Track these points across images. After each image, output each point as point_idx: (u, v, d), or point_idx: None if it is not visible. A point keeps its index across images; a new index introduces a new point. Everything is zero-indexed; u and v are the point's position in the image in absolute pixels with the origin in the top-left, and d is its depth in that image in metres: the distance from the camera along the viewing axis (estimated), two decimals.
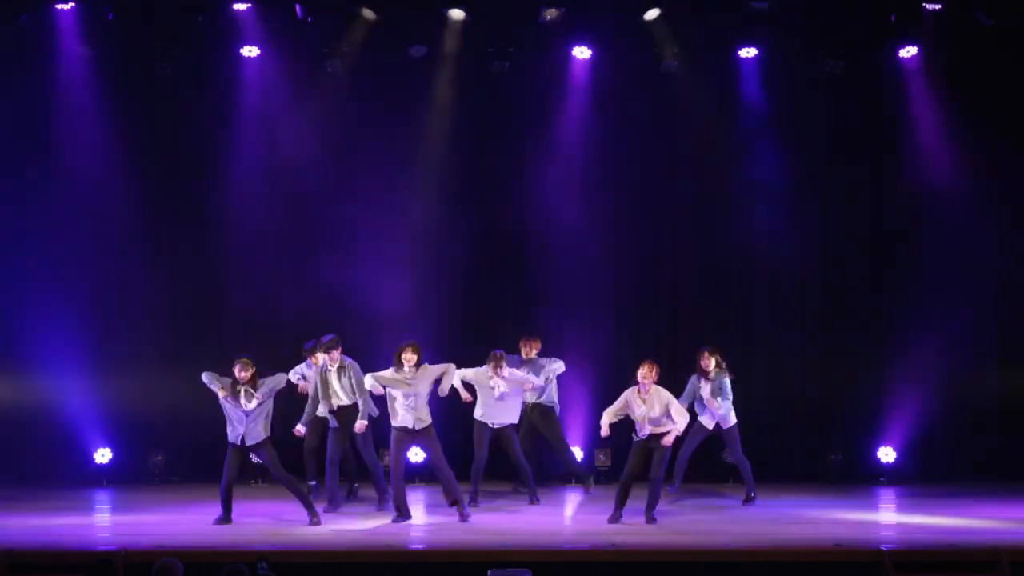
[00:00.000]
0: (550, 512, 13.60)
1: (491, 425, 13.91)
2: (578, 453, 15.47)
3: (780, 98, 16.22)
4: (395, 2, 15.51)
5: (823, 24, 15.75)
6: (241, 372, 12.40)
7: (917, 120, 16.18)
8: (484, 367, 13.83)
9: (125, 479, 15.74)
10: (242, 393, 12.37)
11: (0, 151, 15.82)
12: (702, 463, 15.09)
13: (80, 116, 16.02)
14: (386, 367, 12.80)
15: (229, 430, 12.52)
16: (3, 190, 15.83)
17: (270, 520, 12.76)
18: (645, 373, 12.35)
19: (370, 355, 14.13)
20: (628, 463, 12.59)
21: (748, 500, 13.84)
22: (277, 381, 12.68)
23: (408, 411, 12.54)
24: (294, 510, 12.77)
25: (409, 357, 12.56)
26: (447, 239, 16.26)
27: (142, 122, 16.11)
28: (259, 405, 12.40)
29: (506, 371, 13.77)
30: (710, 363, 13.78)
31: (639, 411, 12.36)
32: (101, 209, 16.07)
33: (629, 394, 12.47)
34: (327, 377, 13.33)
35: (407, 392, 12.52)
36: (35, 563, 10.35)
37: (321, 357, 13.42)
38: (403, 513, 12.59)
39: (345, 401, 13.34)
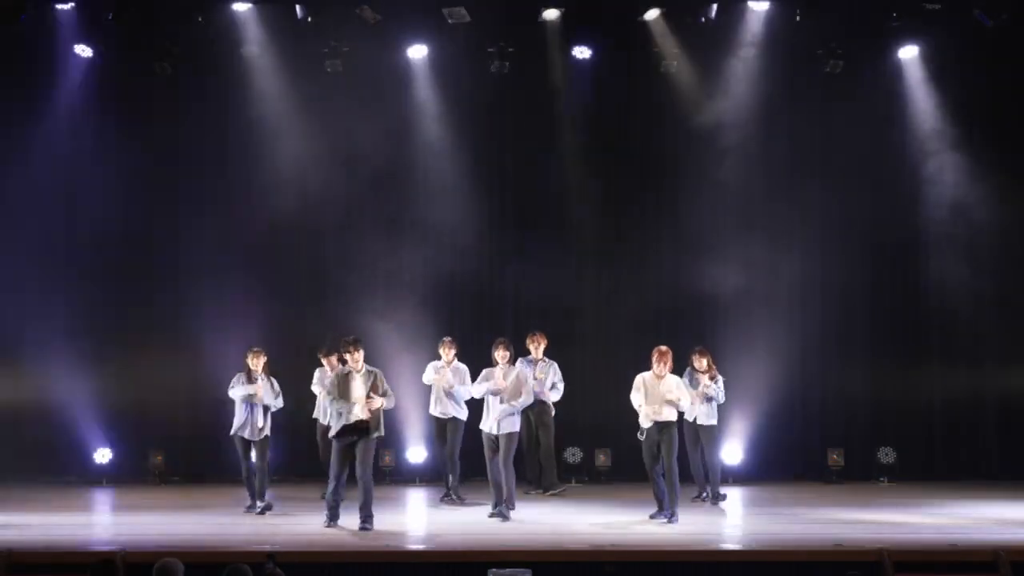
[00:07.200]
0: (550, 512, 13.59)
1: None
2: (578, 453, 15.56)
3: (780, 97, 16.22)
4: (395, 2, 15.50)
5: (823, 24, 15.75)
6: (254, 360, 12.85)
7: (916, 120, 16.20)
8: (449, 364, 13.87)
9: (125, 479, 15.75)
10: (260, 381, 12.78)
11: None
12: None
13: (80, 116, 16.05)
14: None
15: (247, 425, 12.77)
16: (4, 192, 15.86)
17: (270, 520, 12.75)
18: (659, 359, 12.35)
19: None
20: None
21: (718, 498, 13.88)
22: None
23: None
24: (295, 510, 12.78)
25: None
26: (447, 238, 16.25)
27: (142, 122, 16.11)
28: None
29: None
30: (702, 363, 13.79)
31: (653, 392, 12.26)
32: (102, 209, 16.09)
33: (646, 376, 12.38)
34: (350, 380, 12.04)
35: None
36: (35, 563, 10.33)
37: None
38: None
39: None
